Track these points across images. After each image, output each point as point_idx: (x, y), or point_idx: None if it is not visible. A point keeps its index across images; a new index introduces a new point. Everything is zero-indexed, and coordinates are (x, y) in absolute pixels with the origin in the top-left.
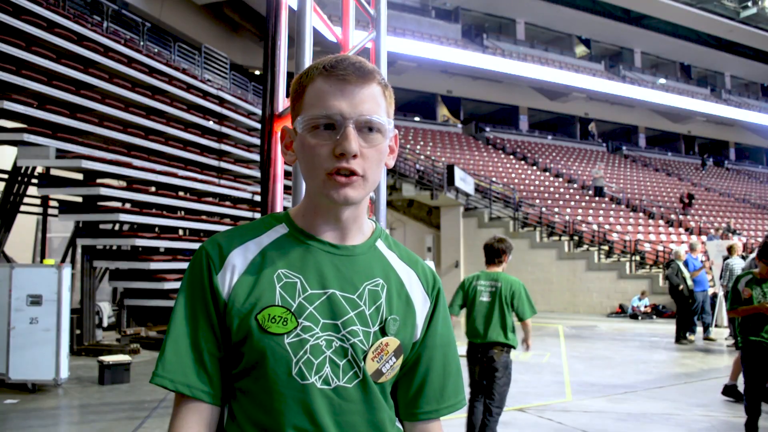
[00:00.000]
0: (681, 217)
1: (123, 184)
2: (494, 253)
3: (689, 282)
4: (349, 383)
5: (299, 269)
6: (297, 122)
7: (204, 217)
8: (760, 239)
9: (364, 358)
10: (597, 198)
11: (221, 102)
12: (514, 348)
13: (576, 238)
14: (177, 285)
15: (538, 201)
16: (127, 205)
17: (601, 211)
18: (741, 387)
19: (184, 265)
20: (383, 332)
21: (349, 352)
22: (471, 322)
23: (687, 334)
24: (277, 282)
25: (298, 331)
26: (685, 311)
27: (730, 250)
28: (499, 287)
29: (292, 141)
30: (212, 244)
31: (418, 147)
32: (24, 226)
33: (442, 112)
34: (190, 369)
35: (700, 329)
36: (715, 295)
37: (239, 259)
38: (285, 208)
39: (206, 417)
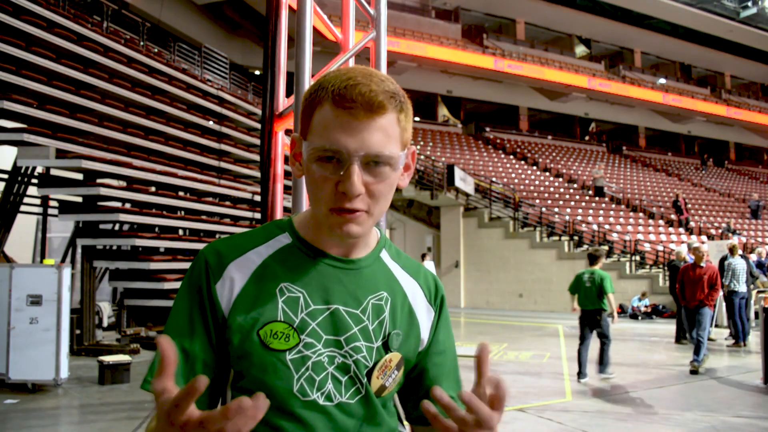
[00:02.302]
0: (674, 217)
1: (123, 184)
2: (593, 258)
3: None
4: (351, 399)
5: (302, 283)
6: (304, 146)
7: (204, 217)
8: (760, 239)
9: (368, 375)
10: (597, 198)
11: (221, 102)
12: (606, 311)
13: (576, 238)
14: (177, 285)
15: (538, 201)
16: (127, 205)
17: (601, 211)
18: None
19: (184, 265)
20: (386, 347)
21: (351, 369)
22: (582, 298)
23: (687, 334)
24: (280, 296)
25: (300, 348)
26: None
27: (732, 250)
28: (595, 277)
29: (300, 153)
30: (211, 251)
31: (418, 147)
32: (24, 226)
33: (442, 112)
34: (180, 377)
35: None
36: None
37: (239, 271)
38: (285, 209)
39: None
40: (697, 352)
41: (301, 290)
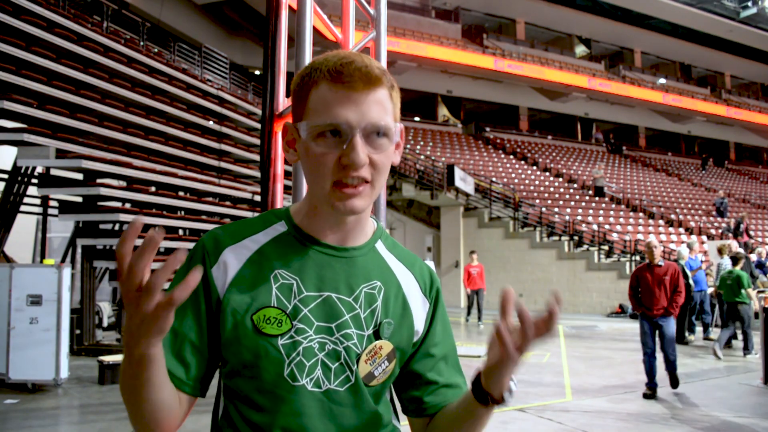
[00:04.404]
0: (729, 235)
1: (123, 184)
2: (735, 261)
3: (690, 281)
4: (341, 387)
5: (296, 270)
6: (301, 127)
7: (204, 217)
8: (760, 239)
9: (357, 360)
10: (597, 198)
11: (221, 102)
12: (747, 303)
13: (576, 238)
14: None
15: (538, 201)
16: (127, 205)
17: (601, 211)
18: None
19: None
20: (377, 335)
21: (342, 356)
22: (727, 293)
23: (687, 334)
24: (274, 283)
25: (292, 333)
26: (685, 311)
27: (720, 251)
28: (733, 275)
29: (294, 139)
30: (210, 236)
31: (418, 147)
32: (24, 226)
33: (442, 112)
34: (167, 354)
35: (699, 329)
36: (714, 295)
37: (235, 257)
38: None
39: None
40: (671, 370)
41: (295, 277)
